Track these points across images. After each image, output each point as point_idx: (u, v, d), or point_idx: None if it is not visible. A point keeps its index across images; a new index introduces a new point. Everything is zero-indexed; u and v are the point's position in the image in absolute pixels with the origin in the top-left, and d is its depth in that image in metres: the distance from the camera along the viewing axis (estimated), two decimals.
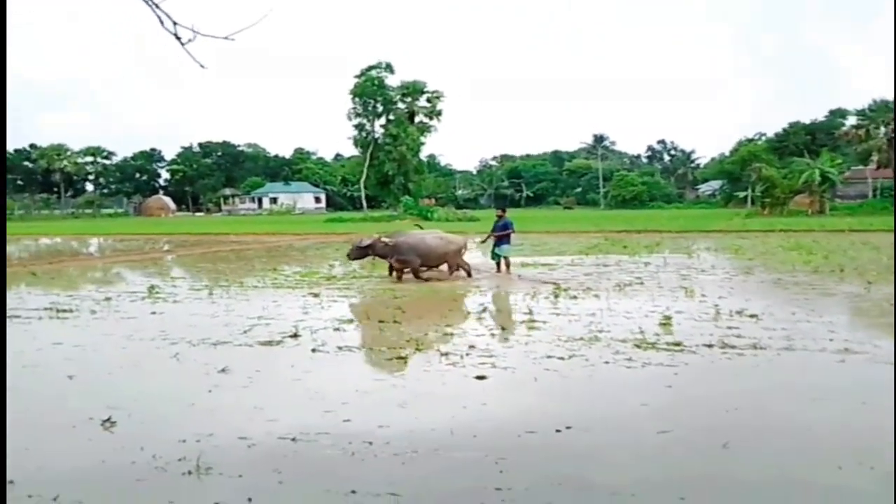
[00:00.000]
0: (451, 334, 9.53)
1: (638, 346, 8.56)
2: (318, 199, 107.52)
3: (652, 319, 10.39)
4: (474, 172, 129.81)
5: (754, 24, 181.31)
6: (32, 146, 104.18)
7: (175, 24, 3.50)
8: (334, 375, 7.75)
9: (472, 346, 8.68)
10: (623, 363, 7.82)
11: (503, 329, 9.72)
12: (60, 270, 20.51)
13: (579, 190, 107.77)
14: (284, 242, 32.69)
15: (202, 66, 3.78)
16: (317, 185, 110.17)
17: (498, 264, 17.09)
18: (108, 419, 5.94)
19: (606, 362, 7.88)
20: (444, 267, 16.02)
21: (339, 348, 8.89)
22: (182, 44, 3.53)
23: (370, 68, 67.13)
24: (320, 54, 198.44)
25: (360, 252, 15.65)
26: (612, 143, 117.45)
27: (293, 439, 5.47)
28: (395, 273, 15.69)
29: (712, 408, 6.22)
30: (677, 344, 8.64)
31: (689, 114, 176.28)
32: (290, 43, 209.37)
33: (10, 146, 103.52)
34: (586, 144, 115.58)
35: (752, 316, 10.45)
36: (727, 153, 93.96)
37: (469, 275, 16.04)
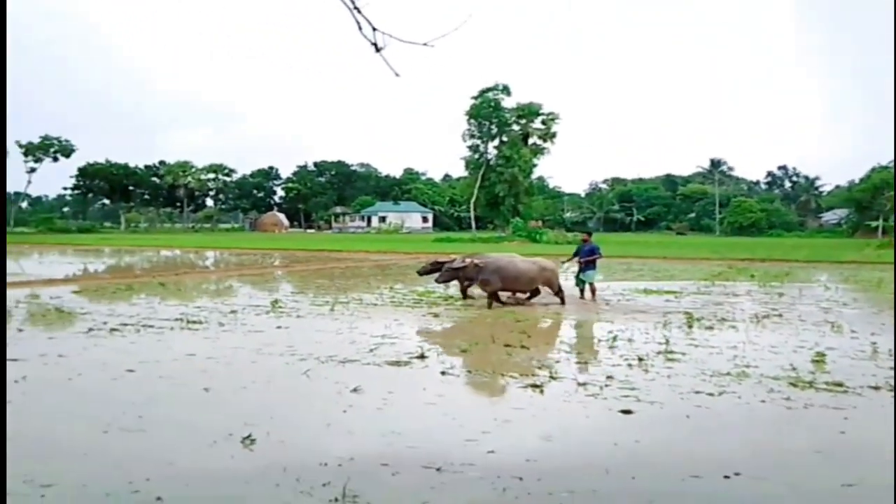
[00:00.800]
0: (585, 363, 9.06)
1: (794, 385, 7.85)
2: (425, 219, 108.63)
3: (801, 356, 9.58)
4: (583, 195, 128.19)
5: (881, 46, 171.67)
6: (161, 163, 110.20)
7: (374, 29, 3.29)
8: (469, 401, 7.45)
9: (609, 377, 8.18)
10: (781, 403, 7.16)
11: (640, 360, 9.15)
12: (186, 282, 21.21)
13: (693, 215, 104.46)
14: (396, 261, 32.89)
15: (397, 74, 3.56)
16: (425, 205, 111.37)
17: (582, 291, 16.37)
18: (249, 436, 5.81)
19: (762, 401, 7.23)
20: (546, 289, 15.52)
21: (469, 372, 8.60)
22: (377, 49, 3.32)
23: (487, 90, 67.52)
24: (429, 75, 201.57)
25: (451, 274, 15.12)
26: (730, 168, 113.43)
27: (438, 469, 5.17)
28: (466, 295, 15.40)
29: None
30: (839, 384, 7.86)
31: (813, 139, 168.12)
32: (402, 64, 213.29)
33: (141, 162, 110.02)
34: (702, 169, 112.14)
35: None
36: (857, 180, 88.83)
37: (562, 301, 15.31)
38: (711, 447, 5.88)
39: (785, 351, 9.95)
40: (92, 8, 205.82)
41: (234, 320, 12.68)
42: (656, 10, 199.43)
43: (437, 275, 15.45)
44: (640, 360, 9.17)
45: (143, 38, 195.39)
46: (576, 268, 16.91)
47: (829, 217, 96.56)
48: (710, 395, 7.45)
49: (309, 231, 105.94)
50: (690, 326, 12.13)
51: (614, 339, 10.70)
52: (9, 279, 20.86)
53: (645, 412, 6.79)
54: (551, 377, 8.19)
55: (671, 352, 9.74)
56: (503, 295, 15.26)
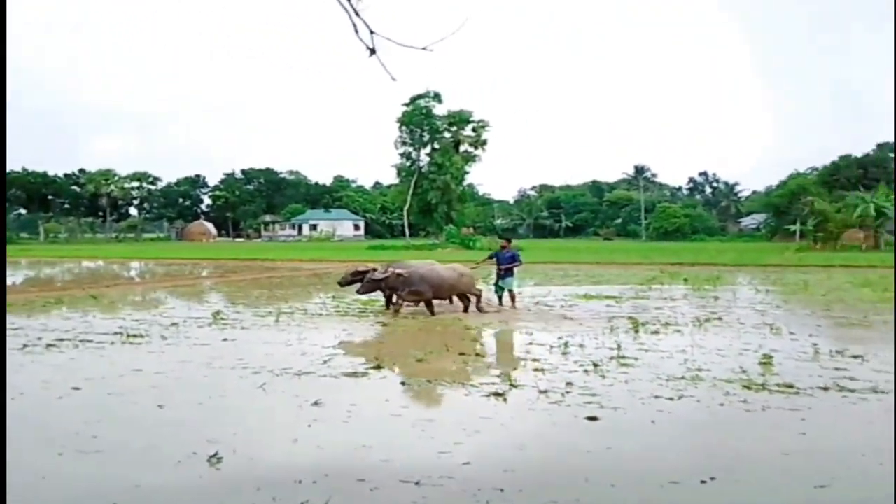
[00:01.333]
0: (542, 370, 9.07)
1: (747, 388, 8.06)
2: (357, 227, 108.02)
3: (748, 358, 9.86)
4: (512, 202, 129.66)
5: (798, 55, 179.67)
6: (81, 171, 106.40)
7: (372, 33, 3.23)
8: (434, 411, 7.39)
9: (569, 384, 8.24)
10: (739, 405, 7.33)
11: (595, 366, 9.24)
12: (117, 294, 20.50)
13: (619, 221, 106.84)
14: (332, 269, 32.48)
15: (393, 79, 3.51)
16: (356, 213, 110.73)
17: (500, 298, 16.22)
18: (215, 454, 5.61)
19: (721, 404, 7.39)
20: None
21: (429, 381, 8.52)
22: (372, 53, 3.25)
23: (418, 97, 67.59)
24: (358, 81, 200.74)
25: (372, 285, 14.68)
26: (654, 174, 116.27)
27: (417, 483, 5.09)
28: (393, 307, 14.78)
29: (864, 459, 5.71)
30: (789, 386, 8.10)
31: (732, 146, 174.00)
32: (329, 71, 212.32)
33: (60, 170, 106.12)
34: (627, 175, 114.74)
35: (855, 357, 9.86)
36: (774, 185, 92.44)
37: (479, 308, 15.22)
38: (682, 452, 5.97)
39: (731, 354, 10.22)
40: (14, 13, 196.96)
41: (176, 333, 12.29)
42: (576, 16, 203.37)
43: (358, 285, 15.09)
44: (595, 365, 9.27)
45: (58, 41, 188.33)
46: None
47: (749, 222, 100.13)
48: (670, 399, 7.58)
49: (238, 240, 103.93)
50: (637, 331, 12.35)
51: (566, 345, 10.80)
52: None
53: (610, 418, 6.85)
54: (511, 385, 8.19)
55: (623, 357, 9.88)
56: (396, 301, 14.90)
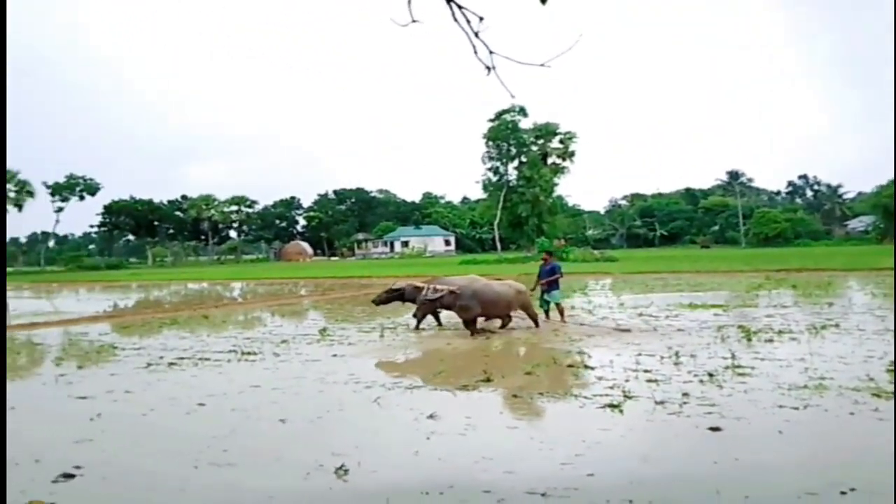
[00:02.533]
0: (655, 381, 8.90)
1: (877, 396, 7.68)
2: (447, 242, 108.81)
3: (874, 365, 9.40)
4: (602, 212, 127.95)
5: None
6: (184, 197, 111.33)
7: (491, 52, 3.30)
8: (551, 423, 7.36)
9: (685, 394, 8.06)
10: (871, 414, 7.00)
11: (710, 376, 9.01)
12: (225, 314, 21.29)
13: (716, 228, 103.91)
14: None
15: (512, 96, 3.57)
16: (446, 229, 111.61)
17: (547, 312, 15.60)
18: (341, 467, 5.75)
19: (851, 413, 7.07)
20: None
21: (541, 394, 8.50)
22: (490, 70, 3.32)
23: (504, 112, 67.85)
24: (442, 100, 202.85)
25: (429, 307, 14.27)
26: (749, 179, 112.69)
27: (543, 494, 5.08)
28: (471, 329, 13.88)
29: None
30: None
31: (833, 147, 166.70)
32: (415, 92, 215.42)
33: (164, 197, 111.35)
34: (721, 181, 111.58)
35: None
36: (882, 186, 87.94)
37: (536, 324, 14.65)
38: (816, 462, 5.75)
39: (855, 361, 9.77)
40: (114, 51, 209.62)
41: (287, 350, 12.67)
42: (668, 24, 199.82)
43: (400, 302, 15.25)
44: (711, 375, 9.03)
45: (161, 76, 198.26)
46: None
47: (856, 224, 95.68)
48: (795, 409, 7.30)
49: (333, 259, 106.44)
50: (750, 340, 11.96)
51: (677, 355, 10.57)
52: (54, 317, 21.07)
53: (733, 429, 6.66)
54: (626, 396, 8.07)
55: (739, 366, 9.59)
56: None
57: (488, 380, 9.33)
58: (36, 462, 6.15)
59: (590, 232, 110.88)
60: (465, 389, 8.83)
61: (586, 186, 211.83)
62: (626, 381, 8.96)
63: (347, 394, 8.87)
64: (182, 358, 11.99)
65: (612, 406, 7.65)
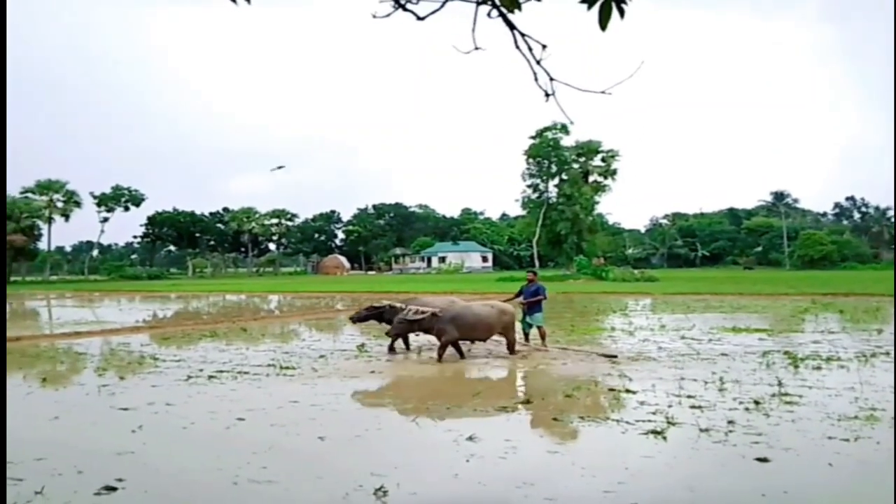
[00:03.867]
0: (699, 407, 8.70)
1: None
2: (485, 259, 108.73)
3: None
4: (643, 231, 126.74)
5: None
6: (225, 209, 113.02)
7: (552, 79, 3.27)
8: (592, 448, 7.21)
9: (731, 422, 7.86)
10: None
11: (756, 403, 8.78)
12: (263, 327, 21.44)
13: (759, 249, 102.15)
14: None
15: (571, 122, 3.54)
16: (484, 245, 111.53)
17: (526, 335, 14.75)
18: (381, 488, 5.70)
19: None
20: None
21: (581, 418, 8.36)
22: (548, 96, 3.28)
23: (545, 129, 67.79)
24: (482, 117, 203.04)
25: (407, 326, 13.27)
26: (795, 200, 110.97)
27: None
28: (438, 351, 13.09)
29: None
30: None
31: (882, 169, 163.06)
32: (455, 109, 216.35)
33: (206, 209, 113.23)
34: (765, 202, 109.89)
35: None
36: None
37: (512, 351, 13.72)
38: (866, 498, 5.55)
39: None
40: (161, 72, 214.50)
41: (325, 365, 12.70)
42: (712, 41, 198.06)
43: (375, 321, 14.56)
44: (757, 403, 8.81)
45: (206, 93, 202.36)
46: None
47: None
48: (846, 440, 7.07)
49: (370, 273, 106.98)
50: (796, 367, 11.67)
51: (721, 381, 10.34)
52: (96, 327, 21.44)
53: (782, 460, 6.46)
54: (669, 423, 7.89)
55: (786, 394, 9.34)
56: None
57: (528, 402, 9.24)
58: (79, 473, 6.20)
59: (630, 251, 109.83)
60: (505, 411, 8.74)
61: (627, 204, 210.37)
62: (669, 406, 8.77)
63: (385, 412, 8.85)
64: (221, 371, 12.07)
65: (654, 432, 7.49)
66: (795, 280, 48.12)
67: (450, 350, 13.11)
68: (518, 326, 14.44)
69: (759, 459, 6.49)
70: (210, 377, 11.52)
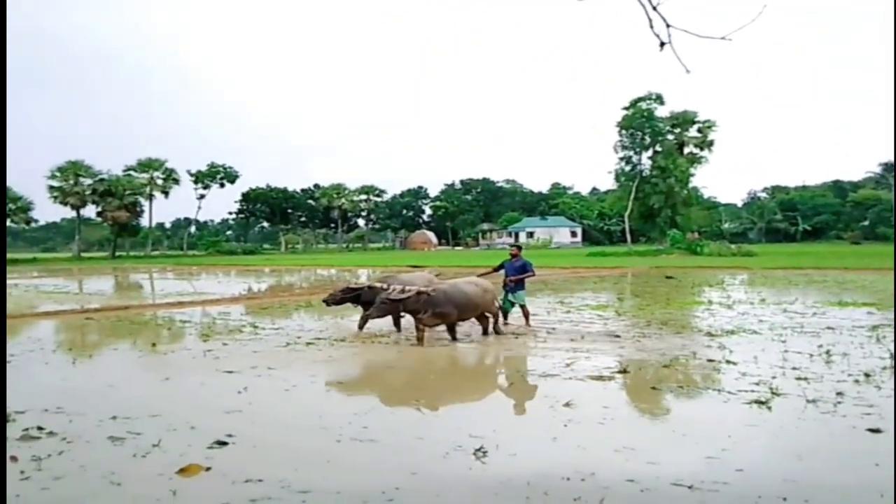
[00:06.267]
0: (805, 378, 8.40)
1: None
2: (573, 234, 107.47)
3: None
4: (740, 205, 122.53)
5: None
6: (316, 186, 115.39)
7: (668, 26, 3.18)
8: (693, 416, 7.08)
9: (839, 393, 7.56)
10: None
11: (867, 376, 8.42)
12: None
13: (866, 223, 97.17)
14: (555, 276, 32.48)
15: (688, 71, 3.43)
16: (573, 220, 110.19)
17: (506, 314, 13.63)
18: (480, 448, 5.76)
19: None
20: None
21: (681, 387, 8.22)
22: (663, 44, 3.19)
23: (639, 100, 66.10)
24: (571, 87, 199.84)
25: (390, 307, 11.79)
26: None
27: (690, 487, 4.89)
28: (417, 335, 11.76)
29: None
30: None
31: None
32: (543, 80, 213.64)
33: (298, 186, 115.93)
34: (873, 174, 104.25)
35: None
36: None
37: (486, 332, 12.71)
38: None
39: None
40: (252, 61, 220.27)
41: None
42: (814, 5, 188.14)
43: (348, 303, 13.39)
44: (867, 375, 8.45)
45: (300, 73, 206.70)
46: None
47: None
48: None
49: (457, 248, 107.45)
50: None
51: (828, 353, 9.95)
52: (197, 297, 22.36)
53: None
54: (773, 393, 7.65)
55: None
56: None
57: (625, 371, 9.13)
58: (191, 429, 6.51)
59: (726, 225, 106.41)
60: (601, 380, 8.66)
61: (724, 177, 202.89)
62: (773, 377, 8.49)
63: (480, 379, 8.93)
64: (318, 339, 12.40)
65: (759, 402, 7.28)
66: None
67: (442, 333, 12.43)
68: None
69: (872, 430, 6.23)
70: (308, 343, 11.86)
